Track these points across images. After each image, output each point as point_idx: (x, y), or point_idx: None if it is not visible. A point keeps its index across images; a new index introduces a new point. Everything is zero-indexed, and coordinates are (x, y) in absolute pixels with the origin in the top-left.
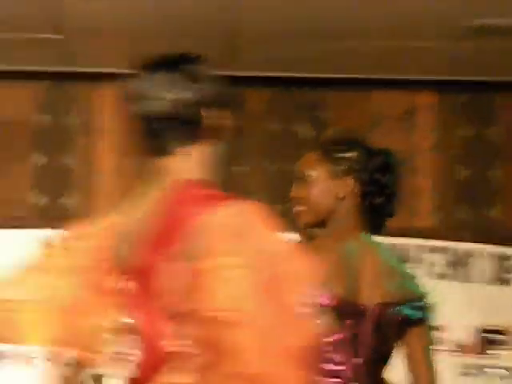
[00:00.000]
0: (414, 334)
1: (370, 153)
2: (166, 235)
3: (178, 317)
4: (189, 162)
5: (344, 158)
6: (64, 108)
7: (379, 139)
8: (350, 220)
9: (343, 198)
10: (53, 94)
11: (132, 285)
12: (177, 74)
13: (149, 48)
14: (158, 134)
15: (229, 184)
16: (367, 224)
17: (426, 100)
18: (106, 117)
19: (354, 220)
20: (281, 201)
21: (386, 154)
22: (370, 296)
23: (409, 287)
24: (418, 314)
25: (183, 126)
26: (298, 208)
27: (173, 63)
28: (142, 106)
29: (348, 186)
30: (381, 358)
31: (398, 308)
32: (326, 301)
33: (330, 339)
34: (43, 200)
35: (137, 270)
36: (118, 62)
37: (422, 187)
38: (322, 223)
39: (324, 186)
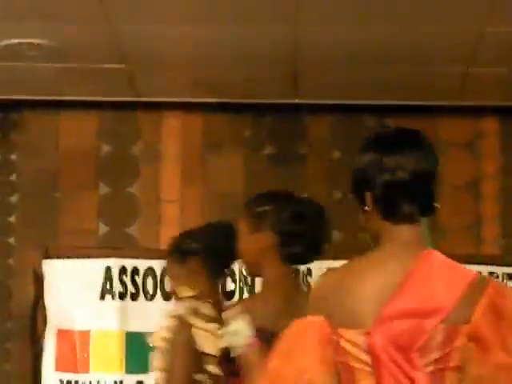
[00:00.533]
0: None
1: (286, 204)
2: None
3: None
4: (421, 231)
5: (262, 212)
6: (129, 137)
7: (445, 166)
8: (277, 269)
9: (265, 250)
10: (118, 124)
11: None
12: (419, 146)
13: (212, 76)
14: (406, 202)
15: None
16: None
17: (490, 125)
18: (170, 145)
19: (280, 269)
20: (343, 229)
21: (302, 203)
22: None
23: None
24: None
25: (426, 197)
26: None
27: (413, 137)
28: (395, 176)
29: (266, 238)
30: None
31: None
32: None
33: None
34: (109, 229)
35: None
36: (182, 90)
37: (488, 213)
38: (256, 273)
39: (247, 239)
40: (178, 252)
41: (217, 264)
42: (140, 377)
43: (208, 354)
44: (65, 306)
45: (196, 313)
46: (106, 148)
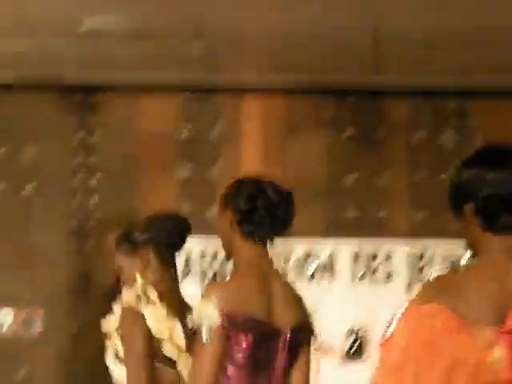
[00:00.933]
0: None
1: (246, 185)
2: None
3: None
4: None
5: (228, 192)
6: (209, 119)
7: None
8: (246, 249)
9: (229, 228)
10: (198, 106)
11: None
12: None
13: (292, 59)
14: (506, 213)
15: (373, 195)
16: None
17: None
18: (250, 127)
19: (249, 248)
20: (427, 208)
21: (262, 185)
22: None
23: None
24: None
25: None
26: None
27: None
28: (498, 190)
29: (227, 217)
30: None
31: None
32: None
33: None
34: (189, 211)
35: None
36: (263, 72)
37: None
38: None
39: (218, 219)
40: (128, 243)
41: (166, 252)
42: None
43: (162, 339)
44: None
45: (147, 300)
46: (186, 130)
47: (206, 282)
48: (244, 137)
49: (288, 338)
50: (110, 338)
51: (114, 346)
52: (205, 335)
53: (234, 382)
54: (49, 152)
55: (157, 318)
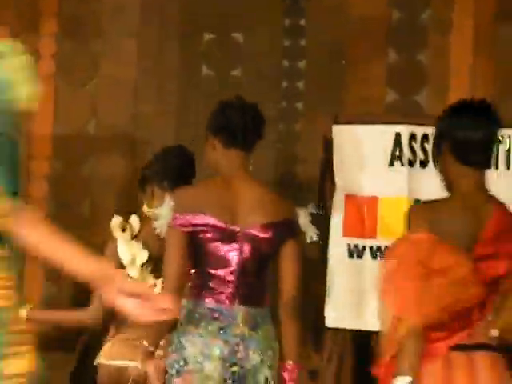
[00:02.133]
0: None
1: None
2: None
3: None
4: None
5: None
6: (419, 4)
7: None
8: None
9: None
10: None
11: None
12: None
13: None
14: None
15: None
16: None
17: None
18: (461, 15)
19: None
20: None
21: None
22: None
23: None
24: None
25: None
26: None
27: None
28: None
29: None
30: None
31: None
32: None
33: None
34: (397, 97)
35: None
36: None
37: None
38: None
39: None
40: (139, 180)
41: (171, 185)
42: None
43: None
44: (353, 171)
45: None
46: (396, 15)
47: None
48: (454, 24)
49: (256, 239)
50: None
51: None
52: (165, 235)
53: (194, 278)
54: (257, 36)
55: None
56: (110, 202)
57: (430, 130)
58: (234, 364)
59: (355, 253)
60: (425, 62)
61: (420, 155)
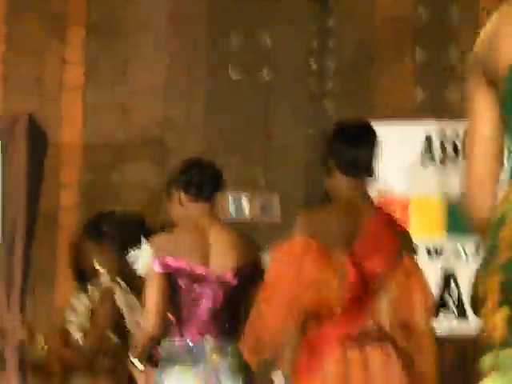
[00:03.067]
0: None
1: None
2: None
3: None
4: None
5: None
6: (447, 1)
7: None
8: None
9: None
10: None
11: None
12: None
13: None
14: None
15: None
16: None
17: None
18: (489, 10)
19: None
20: None
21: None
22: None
23: None
24: None
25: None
26: None
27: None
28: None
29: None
30: None
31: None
32: None
33: None
34: (426, 95)
35: None
36: None
37: None
38: None
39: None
40: (95, 231)
41: (126, 247)
42: (460, 241)
43: None
44: (384, 170)
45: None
46: (424, 13)
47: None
48: (481, 20)
49: (227, 280)
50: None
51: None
52: (144, 277)
53: (171, 317)
54: (284, 36)
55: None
56: (140, 209)
57: (461, 127)
58: None
59: None
60: (454, 59)
61: (451, 153)
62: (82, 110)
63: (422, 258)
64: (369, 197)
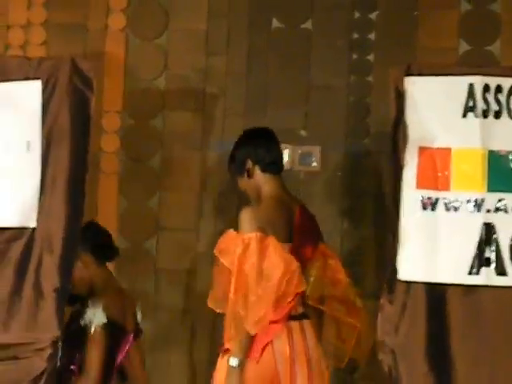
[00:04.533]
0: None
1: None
2: None
3: None
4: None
5: None
6: None
7: None
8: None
9: None
10: None
11: None
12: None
13: None
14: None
15: None
16: None
17: None
18: None
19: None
20: None
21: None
22: None
23: None
24: None
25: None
26: None
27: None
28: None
29: None
30: None
31: None
32: None
33: None
34: (470, 47)
35: None
36: None
37: None
38: None
39: None
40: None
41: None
42: (502, 195)
43: None
44: (426, 123)
45: None
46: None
47: None
48: None
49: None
50: None
51: None
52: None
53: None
54: None
55: None
56: (180, 156)
57: (504, 81)
58: None
59: (428, 205)
60: (498, 11)
61: (493, 106)
62: (123, 58)
63: (462, 213)
64: (290, 193)
